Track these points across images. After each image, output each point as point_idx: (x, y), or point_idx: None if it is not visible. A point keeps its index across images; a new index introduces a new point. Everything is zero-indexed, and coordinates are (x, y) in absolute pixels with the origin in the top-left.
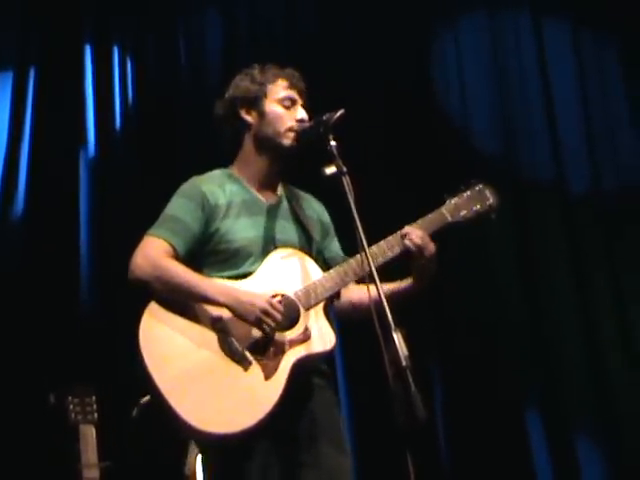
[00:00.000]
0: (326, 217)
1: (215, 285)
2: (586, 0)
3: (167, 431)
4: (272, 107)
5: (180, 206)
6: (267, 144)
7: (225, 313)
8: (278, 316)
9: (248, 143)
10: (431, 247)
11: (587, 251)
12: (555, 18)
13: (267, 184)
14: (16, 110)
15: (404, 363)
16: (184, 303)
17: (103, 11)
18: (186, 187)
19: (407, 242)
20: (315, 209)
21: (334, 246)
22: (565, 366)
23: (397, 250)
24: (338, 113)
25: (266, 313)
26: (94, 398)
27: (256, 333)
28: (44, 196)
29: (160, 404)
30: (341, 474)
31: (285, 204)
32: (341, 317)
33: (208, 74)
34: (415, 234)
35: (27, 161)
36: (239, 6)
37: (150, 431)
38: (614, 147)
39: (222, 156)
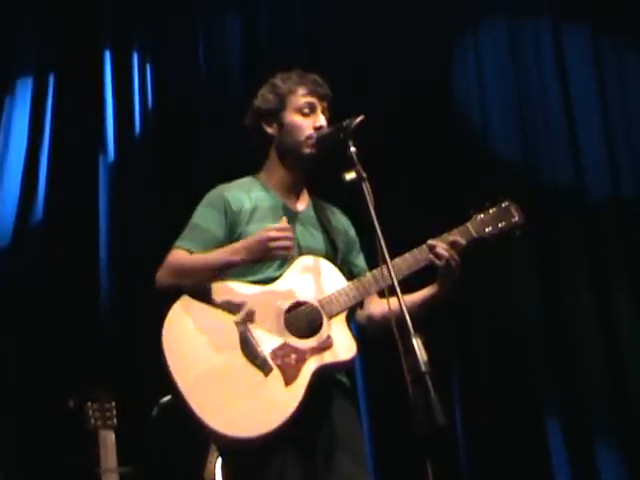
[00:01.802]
0: (352, 232)
1: (219, 252)
2: (605, 5)
3: (187, 431)
4: (291, 117)
5: (202, 214)
6: (288, 154)
7: (249, 315)
8: (288, 233)
9: (272, 153)
10: (456, 259)
11: (608, 256)
12: (574, 23)
13: (293, 192)
14: (36, 115)
15: (423, 369)
16: (208, 304)
17: (122, 16)
18: (210, 195)
19: (432, 256)
20: (342, 222)
21: (359, 261)
22: (584, 371)
23: (423, 263)
24: (358, 119)
25: (273, 239)
26: (113, 403)
27: (279, 338)
28: (64, 201)
29: (180, 404)
30: None
31: (311, 212)
32: (365, 332)
33: (228, 78)
34: (441, 246)
35: (47, 166)
36: (259, 9)
37: (169, 431)
38: (634, 152)
39: (242, 160)
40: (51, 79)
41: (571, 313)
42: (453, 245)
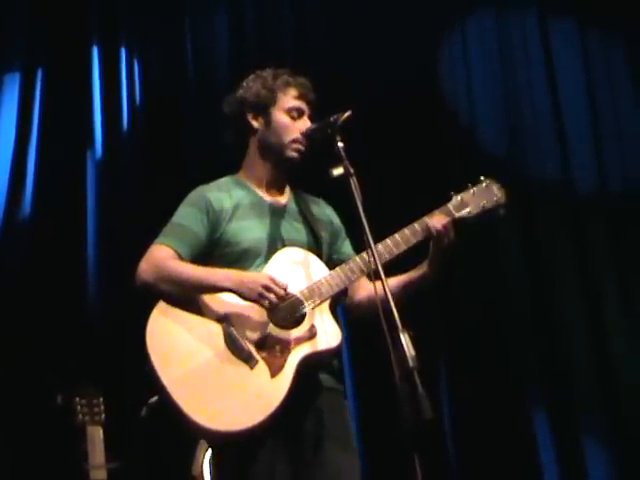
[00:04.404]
0: (337, 220)
1: (217, 272)
2: (593, 0)
3: (176, 430)
4: (279, 116)
5: (185, 214)
6: (270, 152)
7: (232, 311)
8: (280, 291)
9: (253, 147)
10: (451, 234)
11: (594, 251)
12: (562, 18)
13: (274, 187)
14: (24, 111)
15: (411, 364)
16: (191, 302)
17: (110, 12)
18: (191, 195)
19: (428, 230)
20: (325, 212)
21: (346, 248)
22: (573, 367)
23: (413, 241)
24: (345, 114)
25: (267, 288)
26: (101, 399)
27: (262, 331)
28: (51, 197)
29: (167, 402)
30: (347, 474)
31: (294, 206)
32: (351, 316)
33: (215, 74)
34: (437, 220)
35: (34, 162)
36: (246, 6)
37: (159, 431)
38: (621, 147)
39: (229, 157)
40: (39, 75)
41: (559, 309)
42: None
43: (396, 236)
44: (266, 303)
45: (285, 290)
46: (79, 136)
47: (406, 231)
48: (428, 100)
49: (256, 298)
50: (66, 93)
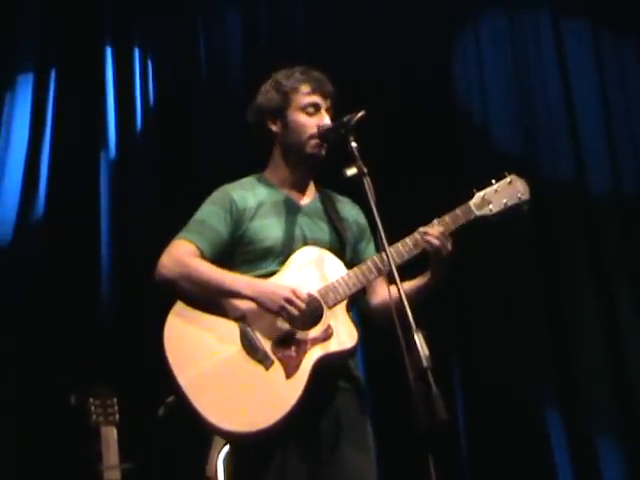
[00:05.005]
0: (362, 220)
1: (240, 279)
2: (606, 0)
3: (191, 430)
4: (295, 116)
5: (208, 211)
6: (292, 152)
7: (248, 311)
8: (302, 305)
9: (276, 152)
10: (448, 247)
11: (607, 251)
12: (575, 18)
13: (298, 186)
14: (37, 112)
15: (425, 364)
16: (208, 302)
17: (123, 12)
18: (215, 194)
19: (424, 243)
20: (351, 212)
21: (370, 249)
22: (586, 367)
23: (415, 251)
24: (359, 114)
25: (289, 301)
26: (115, 399)
27: (278, 331)
28: (65, 198)
29: (183, 402)
30: (364, 474)
31: (318, 205)
32: (368, 319)
33: (228, 75)
34: (432, 234)
35: (48, 163)
36: (259, 5)
37: (175, 430)
38: (635, 147)
39: (243, 156)
40: (52, 75)
41: (572, 308)
42: (444, 234)
43: (407, 240)
44: (286, 315)
45: (306, 303)
46: (92, 136)
47: (417, 233)
48: (442, 100)
49: (277, 310)
50: (79, 93)
